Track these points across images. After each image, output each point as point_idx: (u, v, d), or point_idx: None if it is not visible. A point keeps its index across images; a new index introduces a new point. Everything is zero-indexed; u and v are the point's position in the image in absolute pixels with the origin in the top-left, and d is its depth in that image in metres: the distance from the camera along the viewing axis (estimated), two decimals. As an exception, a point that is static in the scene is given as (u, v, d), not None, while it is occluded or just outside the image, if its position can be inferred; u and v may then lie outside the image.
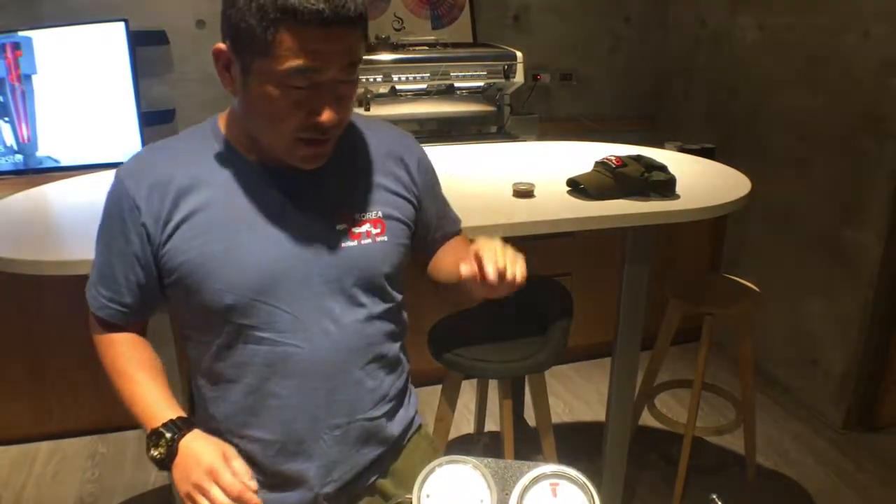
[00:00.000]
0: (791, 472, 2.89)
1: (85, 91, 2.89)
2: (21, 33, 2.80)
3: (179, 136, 1.33)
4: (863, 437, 3.10)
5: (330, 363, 1.27)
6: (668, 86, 4.14)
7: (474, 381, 2.82)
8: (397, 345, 1.38)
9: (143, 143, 2.94)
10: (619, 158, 2.13)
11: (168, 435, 1.18)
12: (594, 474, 1.15)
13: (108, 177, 2.27)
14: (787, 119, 3.28)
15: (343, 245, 1.25)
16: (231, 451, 1.16)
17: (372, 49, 3.35)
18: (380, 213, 1.29)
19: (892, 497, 2.75)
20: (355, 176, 1.30)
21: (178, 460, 1.16)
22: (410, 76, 3.20)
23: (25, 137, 2.89)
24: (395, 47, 3.40)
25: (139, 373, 1.28)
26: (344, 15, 1.05)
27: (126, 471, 2.86)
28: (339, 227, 1.25)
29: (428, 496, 1.13)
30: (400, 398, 1.42)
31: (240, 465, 1.14)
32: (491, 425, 2.77)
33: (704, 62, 3.84)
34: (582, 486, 1.13)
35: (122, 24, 2.85)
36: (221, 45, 1.14)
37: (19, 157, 2.92)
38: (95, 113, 2.92)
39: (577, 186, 2.10)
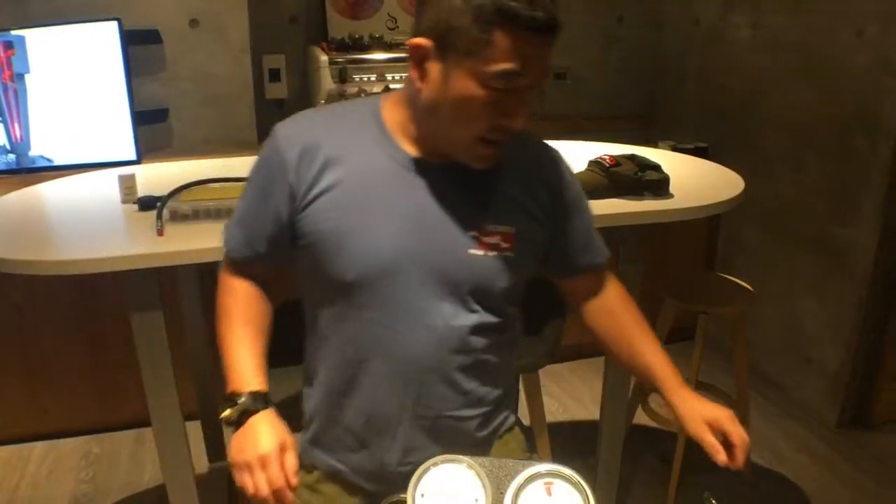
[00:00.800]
0: (785, 470, 2.89)
1: (78, 90, 2.88)
2: (14, 32, 2.78)
3: (341, 106, 1.40)
4: (857, 435, 3.11)
5: (428, 358, 1.29)
6: (661, 85, 4.15)
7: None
8: (502, 356, 1.39)
9: (137, 142, 2.94)
10: (612, 158, 2.13)
11: (244, 404, 1.23)
12: (589, 473, 1.16)
13: (102, 176, 2.29)
14: (781, 118, 3.29)
15: (469, 252, 1.26)
16: (290, 441, 1.20)
17: (366, 48, 3.34)
18: (512, 230, 1.29)
19: (886, 495, 2.76)
20: (498, 187, 1.30)
21: (241, 431, 1.21)
22: (404, 75, 3.20)
23: (18, 137, 2.88)
24: (388, 46, 3.40)
25: (243, 327, 1.33)
26: (554, 24, 1.10)
27: (121, 471, 2.86)
28: (470, 233, 1.26)
29: (423, 495, 1.13)
30: (496, 405, 1.42)
31: (291, 459, 1.18)
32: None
33: (698, 61, 3.85)
34: (576, 485, 1.13)
35: (115, 24, 2.84)
36: (421, 40, 1.15)
37: (12, 156, 2.91)
38: (88, 112, 2.91)
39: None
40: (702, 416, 1.29)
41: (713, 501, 1.43)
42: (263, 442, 1.18)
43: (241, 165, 2.03)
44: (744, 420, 2.72)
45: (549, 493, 1.13)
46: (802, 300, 3.27)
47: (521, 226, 1.30)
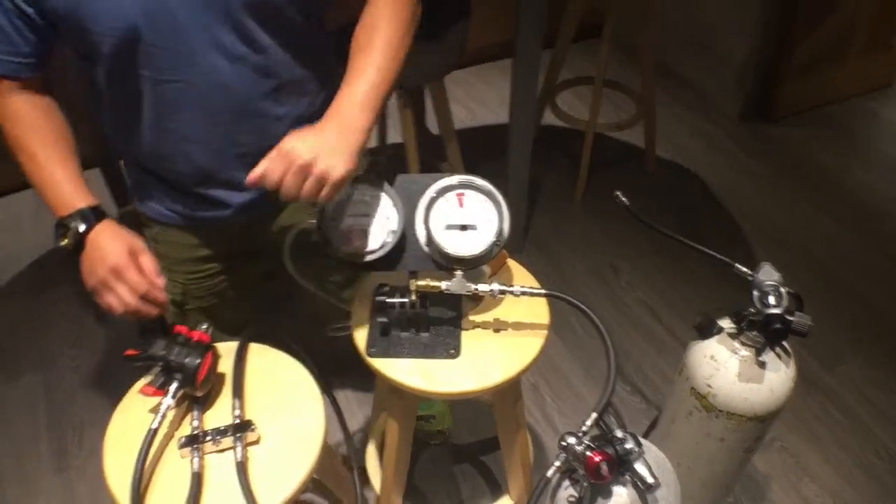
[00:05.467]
0: (689, 163, 2.98)
1: None
2: None
3: None
4: (759, 127, 3.19)
5: (224, 97, 1.17)
6: None
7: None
8: (309, 68, 1.26)
9: None
10: None
11: (74, 226, 1.14)
12: (499, 177, 1.14)
13: None
14: None
15: None
16: (139, 244, 1.14)
17: None
18: None
19: (784, 184, 2.89)
20: None
21: (86, 253, 1.14)
22: None
23: None
24: None
25: (46, 150, 1.19)
26: None
27: (25, 233, 2.76)
28: None
29: (333, 220, 1.11)
30: (320, 116, 1.32)
31: (148, 260, 1.12)
32: (394, 137, 2.73)
33: None
34: (488, 193, 1.12)
35: None
36: None
37: None
38: None
39: None
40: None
41: (623, 198, 1.45)
42: (110, 253, 1.11)
43: None
44: (649, 115, 2.75)
45: (462, 205, 1.12)
46: (710, -10, 3.19)
47: None
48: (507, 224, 1.11)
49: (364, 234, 1.10)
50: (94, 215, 1.15)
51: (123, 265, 1.10)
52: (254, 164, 1.05)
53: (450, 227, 1.11)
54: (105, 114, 1.25)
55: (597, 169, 2.75)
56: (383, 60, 1.12)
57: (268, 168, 1.02)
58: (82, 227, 1.14)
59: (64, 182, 1.17)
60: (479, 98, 3.36)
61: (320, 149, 1.02)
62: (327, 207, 1.10)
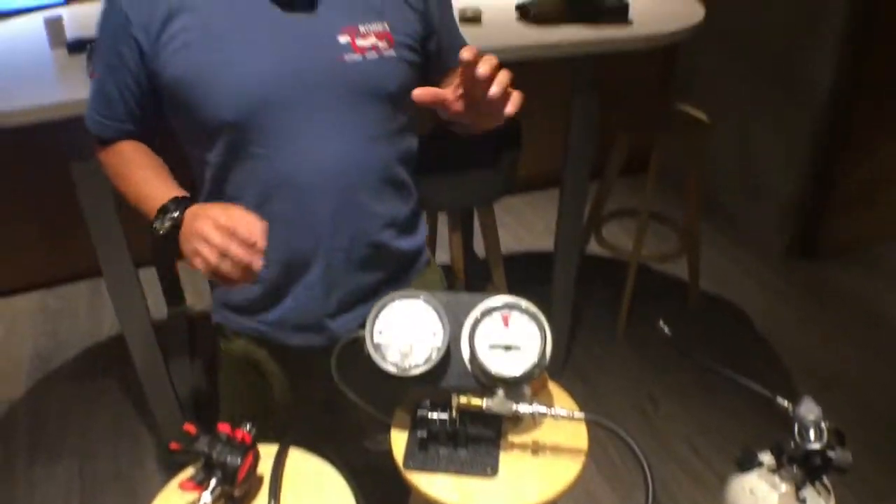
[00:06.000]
0: (732, 298, 2.99)
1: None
2: None
3: None
4: (804, 264, 3.20)
5: (332, 183, 1.23)
6: None
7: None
8: (406, 169, 1.34)
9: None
10: (571, -19, 2.04)
11: (173, 208, 1.16)
12: (543, 303, 1.17)
13: (27, 22, 2.15)
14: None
15: (345, 58, 1.18)
16: (236, 207, 1.09)
17: None
18: (387, 27, 1.21)
19: (830, 322, 2.88)
20: None
21: (186, 223, 1.12)
22: None
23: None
24: None
25: (140, 171, 1.26)
26: None
27: (80, 322, 2.85)
28: (341, 38, 1.18)
29: (381, 332, 1.14)
30: (409, 225, 1.38)
31: (243, 213, 1.06)
32: (442, 257, 2.79)
33: None
34: (532, 316, 1.14)
35: None
36: None
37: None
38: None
39: (526, 12, 2.02)
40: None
41: (666, 328, 1.46)
42: (213, 209, 1.07)
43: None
44: (693, 248, 2.78)
45: (507, 325, 1.14)
46: (757, 129, 3.27)
47: (394, 19, 1.22)
48: (549, 347, 1.13)
49: (410, 348, 1.13)
50: (189, 201, 1.18)
51: (225, 219, 1.04)
52: (344, 261, 1.20)
53: (493, 346, 1.13)
54: (203, 194, 1.30)
55: (639, 300, 2.77)
56: None
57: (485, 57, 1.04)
58: (176, 213, 1.15)
59: (159, 190, 1.21)
60: (527, 225, 3.43)
61: None
62: (377, 321, 1.14)
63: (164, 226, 1.15)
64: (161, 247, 2.59)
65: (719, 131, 3.32)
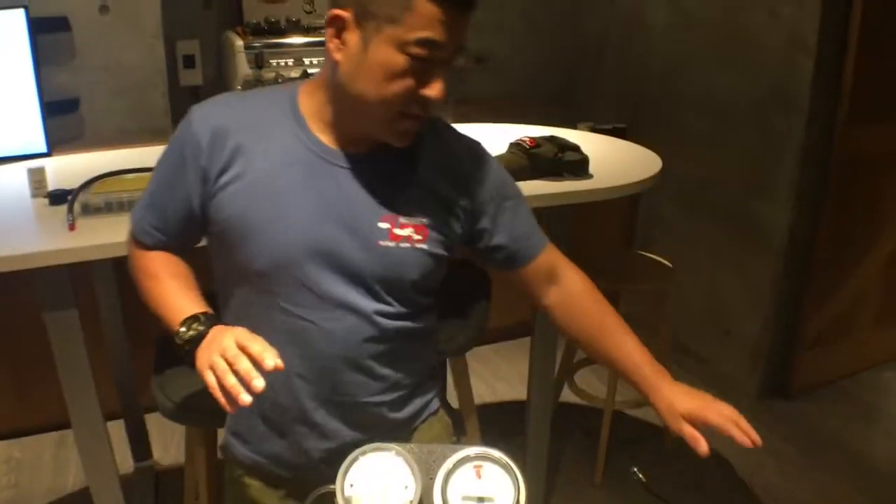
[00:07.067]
0: (709, 440, 2.94)
1: (-18, 81, 2.76)
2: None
3: (260, 92, 1.39)
4: (777, 404, 3.22)
5: (339, 347, 1.28)
6: (581, 66, 4.19)
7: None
8: (416, 345, 1.38)
9: (47, 134, 2.82)
10: (532, 139, 2.14)
11: (203, 320, 1.20)
12: (518, 452, 1.17)
13: (11, 170, 2.20)
14: (698, 97, 3.36)
15: (380, 243, 1.25)
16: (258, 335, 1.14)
17: (282, 32, 3.29)
18: (426, 222, 1.28)
19: (808, 461, 2.86)
20: (413, 178, 1.29)
21: (208, 338, 1.16)
22: (322, 59, 3.16)
23: (-82, 129, 2.75)
24: (306, 30, 3.36)
25: (172, 280, 1.31)
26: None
27: (44, 475, 2.76)
28: (381, 224, 1.25)
29: (352, 485, 1.13)
30: (413, 389, 1.42)
31: (264, 342, 1.11)
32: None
33: (616, 42, 3.90)
34: (505, 467, 1.14)
35: (22, 11, 2.72)
36: (340, 11, 1.16)
37: (-88, 150, 2.77)
38: (-6, 103, 2.79)
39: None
40: (678, 410, 1.30)
41: (640, 475, 1.46)
42: (234, 331, 1.13)
43: (155, 155, 1.97)
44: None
45: (479, 476, 1.14)
46: (721, 274, 3.36)
47: (434, 218, 1.29)
48: (523, 498, 1.12)
49: (382, 501, 1.12)
50: (216, 319, 1.22)
51: (240, 335, 1.11)
52: (345, 414, 1.28)
53: (466, 498, 1.12)
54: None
55: (616, 446, 2.75)
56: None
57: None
58: (203, 327, 1.18)
59: (186, 299, 1.26)
60: (500, 374, 3.43)
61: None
62: (348, 475, 1.13)
63: (188, 334, 1.18)
64: (127, 399, 2.56)
65: (686, 277, 3.41)
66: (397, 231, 1.26)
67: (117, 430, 2.60)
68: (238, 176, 1.23)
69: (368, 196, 1.26)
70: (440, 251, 1.32)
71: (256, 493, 1.42)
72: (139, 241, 1.35)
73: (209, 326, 1.18)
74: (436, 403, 1.49)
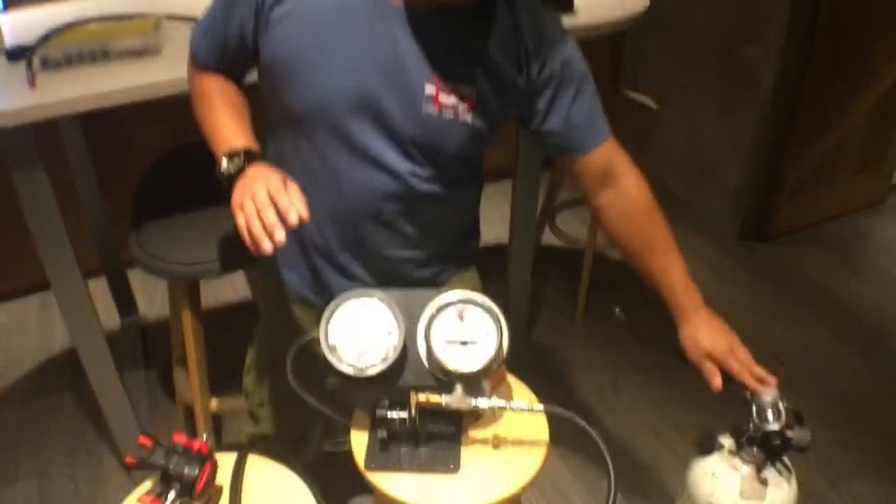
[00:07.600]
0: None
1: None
2: None
3: None
4: (757, 246, 3.25)
5: (365, 201, 1.29)
6: None
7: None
8: (449, 210, 1.38)
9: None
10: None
11: (244, 158, 1.21)
12: (500, 295, 1.17)
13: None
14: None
15: (423, 111, 1.21)
16: (293, 183, 1.16)
17: None
18: (474, 93, 1.21)
19: (784, 302, 2.92)
20: (469, 47, 1.21)
21: (247, 174, 1.18)
22: None
23: None
24: None
25: (226, 107, 1.32)
26: None
27: (30, 338, 2.78)
28: (428, 87, 1.20)
29: (335, 332, 1.13)
30: (443, 252, 1.44)
31: (296, 193, 1.13)
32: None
33: None
34: (488, 309, 1.14)
35: None
36: None
37: None
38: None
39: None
40: (702, 346, 1.35)
41: (621, 314, 1.48)
42: (271, 177, 1.14)
43: (117, 4, 1.87)
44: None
45: (462, 320, 1.14)
46: (706, 117, 3.30)
47: (485, 92, 1.22)
48: (506, 340, 1.13)
49: (366, 347, 1.12)
50: (258, 156, 1.23)
51: (278, 190, 1.11)
52: (369, 263, 1.35)
53: (450, 342, 1.13)
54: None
55: (597, 288, 2.78)
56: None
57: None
58: (244, 163, 1.20)
59: (235, 128, 1.28)
60: (482, 216, 3.42)
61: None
62: (333, 319, 1.12)
63: (229, 168, 1.20)
64: (108, 254, 2.55)
65: (668, 119, 3.36)
66: (443, 98, 1.21)
67: (101, 287, 2.60)
68: (290, 12, 1.19)
69: (420, 55, 1.19)
70: (484, 127, 1.26)
71: (298, 311, 1.48)
72: (196, 59, 1.36)
73: (248, 164, 1.19)
74: (461, 265, 1.51)
